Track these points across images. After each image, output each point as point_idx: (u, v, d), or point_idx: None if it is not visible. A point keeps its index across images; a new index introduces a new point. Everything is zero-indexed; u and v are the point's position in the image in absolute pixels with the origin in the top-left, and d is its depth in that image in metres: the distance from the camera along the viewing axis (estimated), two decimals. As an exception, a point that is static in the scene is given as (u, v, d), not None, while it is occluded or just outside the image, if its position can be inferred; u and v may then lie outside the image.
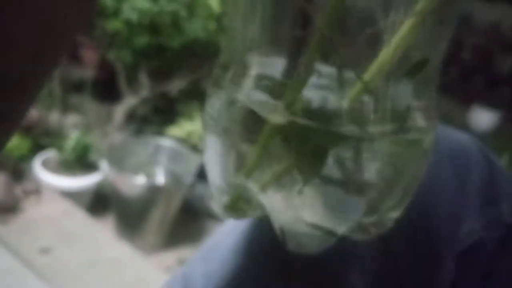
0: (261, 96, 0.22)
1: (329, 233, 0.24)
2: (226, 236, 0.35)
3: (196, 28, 1.85)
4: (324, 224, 0.24)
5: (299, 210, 0.23)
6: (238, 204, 0.25)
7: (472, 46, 3.55)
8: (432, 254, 0.33)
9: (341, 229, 0.24)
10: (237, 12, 0.23)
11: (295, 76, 0.21)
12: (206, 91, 0.25)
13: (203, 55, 1.90)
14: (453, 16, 0.22)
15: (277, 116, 0.21)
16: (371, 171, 0.23)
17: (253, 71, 0.23)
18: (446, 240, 0.33)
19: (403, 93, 0.22)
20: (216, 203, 0.26)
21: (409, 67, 0.21)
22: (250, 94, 0.22)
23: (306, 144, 0.22)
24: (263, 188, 0.23)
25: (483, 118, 3.27)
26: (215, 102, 0.24)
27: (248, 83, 0.22)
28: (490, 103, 3.26)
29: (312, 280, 0.32)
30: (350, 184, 0.23)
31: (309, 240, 0.25)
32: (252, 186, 0.23)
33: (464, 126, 3.04)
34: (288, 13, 0.22)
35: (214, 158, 0.25)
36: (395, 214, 0.25)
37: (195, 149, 1.84)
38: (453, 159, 0.34)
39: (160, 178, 1.83)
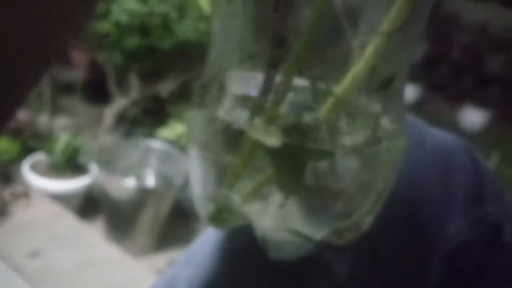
0: (242, 114, 0.23)
1: (308, 239, 0.24)
2: (208, 240, 0.35)
3: (186, 30, 1.85)
4: (303, 230, 0.24)
5: (280, 218, 0.24)
6: (221, 215, 0.26)
7: (462, 46, 3.57)
8: (419, 254, 0.33)
9: (319, 234, 0.24)
10: (217, 31, 0.24)
11: (273, 93, 0.22)
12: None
13: (193, 56, 1.90)
14: (417, 32, 0.24)
15: (270, 138, 0.22)
16: (346, 178, 0.23)
17: (233, 89, 0.24)
18: (432, 240, 0.33)
19: (373, 104, 0.23)
20: (200, 213, 0.27)
21: (377, 83, 0.23)
22: (231, 113, 0.23)
23: (286, 159, 0.22)
24: (245, 198, 0.24)
25: (473, 117, 3.30)
26: (197, 118, 0.25)
27: (228, 101, 0.23)
28: (479, 102, 3.28)
29: (296, 281, 0.32)
30: (326, 191, 0.23)
31: (289, 247, 0.26)
32: (235, 197, 0.24)
33: (454, 125, 3.06)
34: (265, 32, 0.23)
35: (197, 169, 0.26)
36: (368, 219, 0.25)
37: (185, 151, 1.83)
38: (439, 159, 0.34)
39: (151, 180, 1.83)
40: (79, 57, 2.30)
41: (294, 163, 0.22)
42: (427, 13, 0.23)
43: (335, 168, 0.23)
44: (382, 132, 0.24)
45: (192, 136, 0.25)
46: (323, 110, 0.22)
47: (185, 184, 1.78)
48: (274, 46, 0.22)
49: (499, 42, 3.46)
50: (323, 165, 0.23)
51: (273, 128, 0.22)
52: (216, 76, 0.24)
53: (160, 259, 1.75)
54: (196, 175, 0.26)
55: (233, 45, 0.24)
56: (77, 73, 2.29)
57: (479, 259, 0.33)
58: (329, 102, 0.22)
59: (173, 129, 1.92)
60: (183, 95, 2.00)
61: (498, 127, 3.24)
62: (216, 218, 0.26)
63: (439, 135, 0.36)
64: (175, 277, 0.35)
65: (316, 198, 0.24)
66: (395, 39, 0.22)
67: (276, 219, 0.24)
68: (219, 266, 0.33)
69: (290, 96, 0.22)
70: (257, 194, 0.24)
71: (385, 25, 0.21)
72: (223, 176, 0.24)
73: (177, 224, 1.84)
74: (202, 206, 0.26)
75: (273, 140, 0.21)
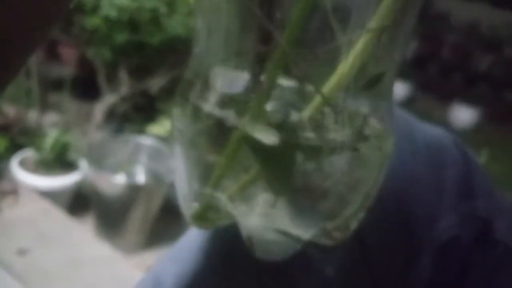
0: (228, 112, 0.23)
1: (296, 239, 0.24)
2: (195, 236, 0.34)
3: (176, 25, 1.84)
4: (290, 230, 0.24)
5: (267, 218, 0.24)
6: (206, 214, 0.25)
7: (451, 45, 3.60)
8: (409, 250, 0.33)
9: (307, 235, 0.24)
10: (202, 27, 0.24)
11: (257, 90, 0.22)
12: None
13: (183, 52, 1.89)
14: (406, 31, 0.23)
15: (267, 136, 0.21)
16: (333, 177, 0.23)
17: (218, 85, 0.23)
18: (422, 236, 0.33)
19: (361, 103, 0.23)
20: (185, 213, 0.26)
21: (365, 82, 0.22)
22: (217, 110, 0.23)
23: (274, 158, 0.22)
24: (231, 198, 0.23)
25: (463, 115, 3.33)
26: (181, 116, 0.25)
27: (213, 97, 0.23)
28: (469, 100, 3.31)
29: (285, 276, 0.32)
30: (314, 191, 0.23)
31: (276, 247, 0.25)
32: (220, 196, 0.24)
33: (444, 123, 3.08)
34: (251, 29, 0.22)
35: (182, 168, 0.25)
36: (357, 218, 0.25)
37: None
38: (429, 154, 0.34)
39: (141, 177, 1.82)
40: (69, 53, 2.29)
41: (283, 162, 0.22)
42: (417, 10, 0.23)
43: (322, 167, 0.23)
44: (370, 133, 0.23)
45: (176, 133, 0.25)
46: (310, 108, 0.22)
47: (175, 181, 1.77)
48: (260, 43, 0.22)
49: (489, 41, 3.49)
50: (311, 164, 0.22)
51: (266, 125, 0.21)
52: (200, 73, 0.24)
53: (151, 257, 1.74)
54: (180, 173, 0.25)
55: (218, 41, 0.23)
56: (66, 69, 2.27)
57: (469, 255, 0.33)
58: (316, 100, 0.21)
59: (163, 126, 1.92)
60: (173, 91, 1.99)
61: (488, 125, 3.27)
62: (201, 218, 0.25)
63: (430, 130, 0.36)
64: (161, 273, 0.35)
65: (304, 198, 0.23)
66: (385, 36, 0.21)
67: (263, 219, 0.24)
68: (206, 263, 0.33)
69: (278, 94, 0.22)
70: (243, 193, 0.23)
71: (374, 23, 0.21)
72: (208, 174, 0.24)
73: (168, 221, 1.83)
74: (186, 205, 0.26)
75: (270, 137, 0.21)
